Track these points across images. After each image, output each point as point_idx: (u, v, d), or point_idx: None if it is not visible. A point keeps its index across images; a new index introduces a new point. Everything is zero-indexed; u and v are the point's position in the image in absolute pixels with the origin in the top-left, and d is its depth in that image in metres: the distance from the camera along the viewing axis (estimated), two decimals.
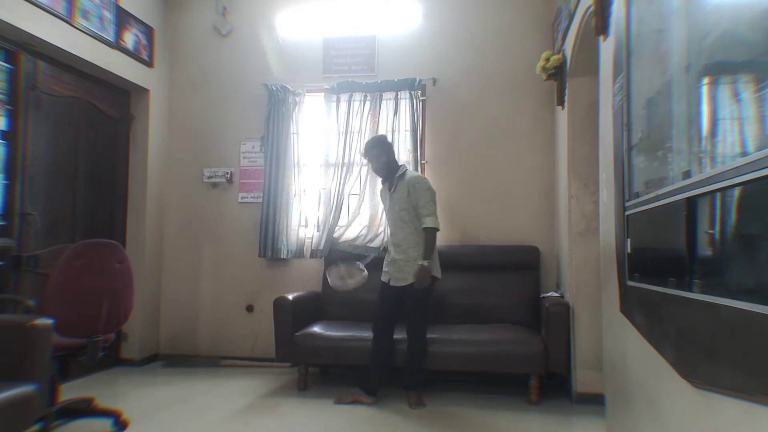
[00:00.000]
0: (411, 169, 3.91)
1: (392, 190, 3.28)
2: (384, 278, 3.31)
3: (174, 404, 3.19)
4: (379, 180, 3.50)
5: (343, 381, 3.64)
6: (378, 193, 3.77)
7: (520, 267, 3.85)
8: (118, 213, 4.17)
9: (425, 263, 3.11)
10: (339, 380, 3.65)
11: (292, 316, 3.49)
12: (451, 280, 3.70)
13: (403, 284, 3.20)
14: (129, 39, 4.02)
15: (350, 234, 4.07)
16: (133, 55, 4.07)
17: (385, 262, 3.35)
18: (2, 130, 3.13)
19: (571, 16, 3.11)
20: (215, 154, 4.44)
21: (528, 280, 3.82)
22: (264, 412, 3.08)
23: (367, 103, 4.14)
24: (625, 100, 1.91)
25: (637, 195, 1.78)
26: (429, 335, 3.30)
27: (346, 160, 4.10)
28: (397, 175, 3.29)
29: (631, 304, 1.89)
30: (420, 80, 4.09)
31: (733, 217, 1.12)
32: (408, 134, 4.05)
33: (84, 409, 2.78)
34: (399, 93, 4.08)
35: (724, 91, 1.29)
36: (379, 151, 3.29)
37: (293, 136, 4.24)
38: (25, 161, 3.25)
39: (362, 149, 3.45)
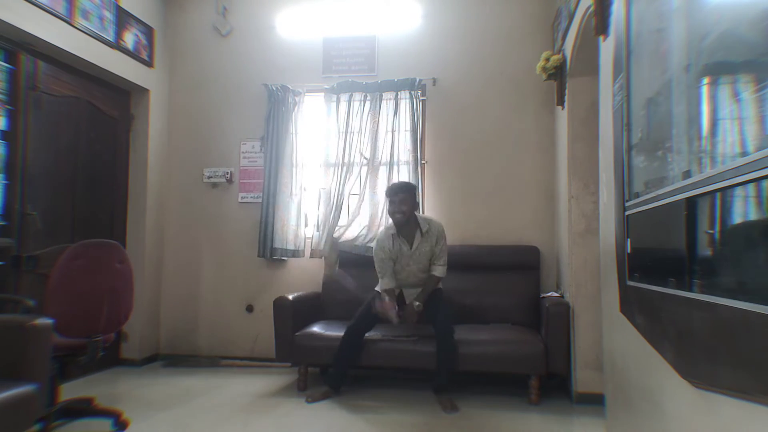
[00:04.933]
0: (412, 174, 3.96)
1: (414, 247, 3.32)
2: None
3: (174, 404, 3.19)
4: (383, 197, 3.56)
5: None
6: (377, 193, 3.81)
7: (520, 267, 3.85)
8: (118, 213, 4.17)
9: (419, 305, 3.27)
10: None
11: (292, 316, 3.50)
12: (451, 280, 3.68)
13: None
14: (129, 39, 4.02)
15: (350, 234, 4.06)
16: (133, 55, 4.07)
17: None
18: (2, 130, 3.14)
19: (571, 16, 3.11)
20: (215, 154, 4.44)
21: (528, 280, 3.81)
22: (264, 412, 3.08)
23: (367, 103, 4.14)
24: (625, 100, 1.91)
25: (637, 195, 1.78)
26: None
27: (346, 160, 4.10)
28: (423, 231, 3.31)
29: (631, 304, 1.89)
30: (420, 80, 4.08)
31: (733, 217, 1.12)
32: (408, 134, 4.05)
33: (84, 409, 2.78)
34: (399, 93, 4.08)
35: (724, 91, 1.29)
36: (408, 198, 3.28)
37: (293, 136, 4.24)
38: (25, 161, 3.25)
39: (390, 188, 3.35)
